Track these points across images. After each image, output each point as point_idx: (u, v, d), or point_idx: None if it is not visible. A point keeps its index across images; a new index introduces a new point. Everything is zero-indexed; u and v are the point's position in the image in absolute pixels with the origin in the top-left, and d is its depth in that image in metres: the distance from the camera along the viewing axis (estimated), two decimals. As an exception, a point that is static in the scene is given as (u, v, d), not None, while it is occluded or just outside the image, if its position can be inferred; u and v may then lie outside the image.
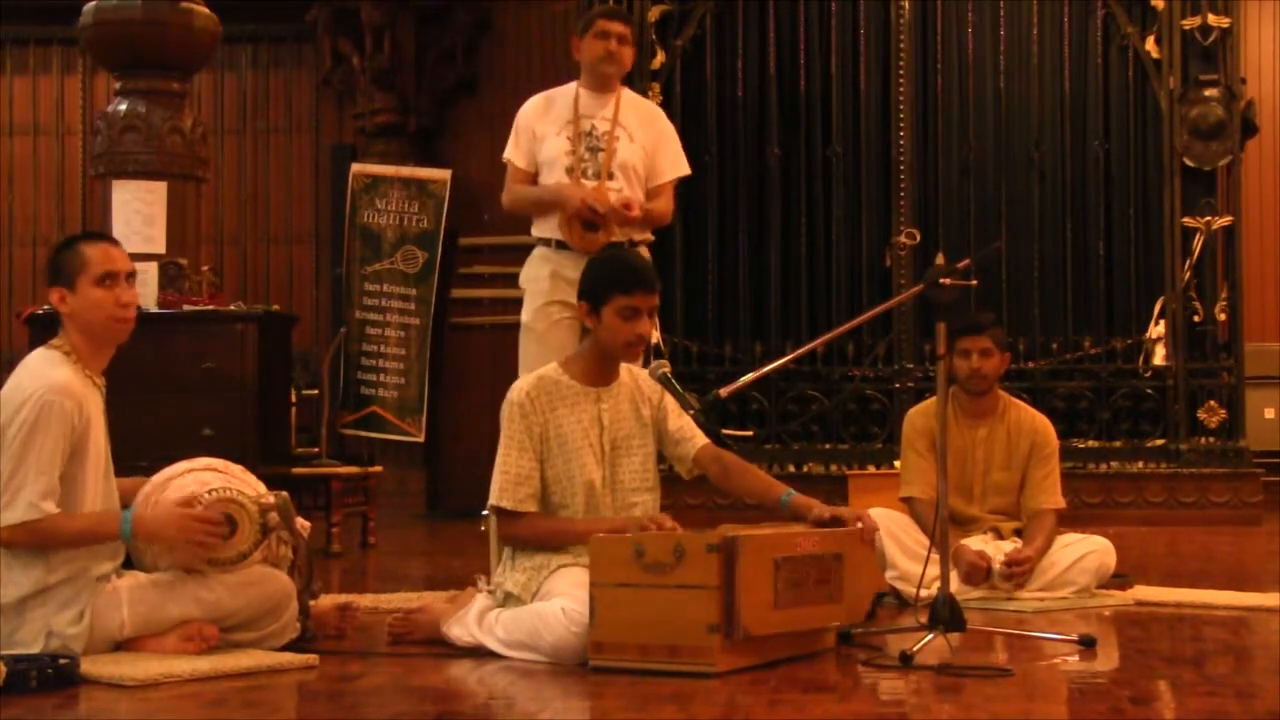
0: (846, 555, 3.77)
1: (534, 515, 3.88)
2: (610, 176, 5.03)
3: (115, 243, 3.85)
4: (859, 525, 3.82)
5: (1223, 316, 8.62)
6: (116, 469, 3.77)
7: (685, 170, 5.25)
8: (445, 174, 8.39)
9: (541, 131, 5.11)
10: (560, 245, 5.02)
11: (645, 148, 5.12)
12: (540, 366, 5.06)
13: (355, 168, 8.58)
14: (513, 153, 5.15)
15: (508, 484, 3.86)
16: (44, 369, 3.62)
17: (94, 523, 3.61)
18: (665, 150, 5.18)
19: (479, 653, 3.78)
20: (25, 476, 3.51)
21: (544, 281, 5.03)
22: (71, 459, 3.58)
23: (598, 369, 4.00)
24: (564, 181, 5.01)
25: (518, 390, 3.95)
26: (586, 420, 3.94)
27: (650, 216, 5.08)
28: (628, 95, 5.21)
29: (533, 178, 5.13)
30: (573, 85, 5.19)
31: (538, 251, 5.12)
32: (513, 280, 5.27)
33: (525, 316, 5.11)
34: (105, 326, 3.71)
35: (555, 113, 5.13)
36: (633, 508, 3.95)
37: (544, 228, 5.08)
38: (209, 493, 3.70)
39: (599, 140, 5.08)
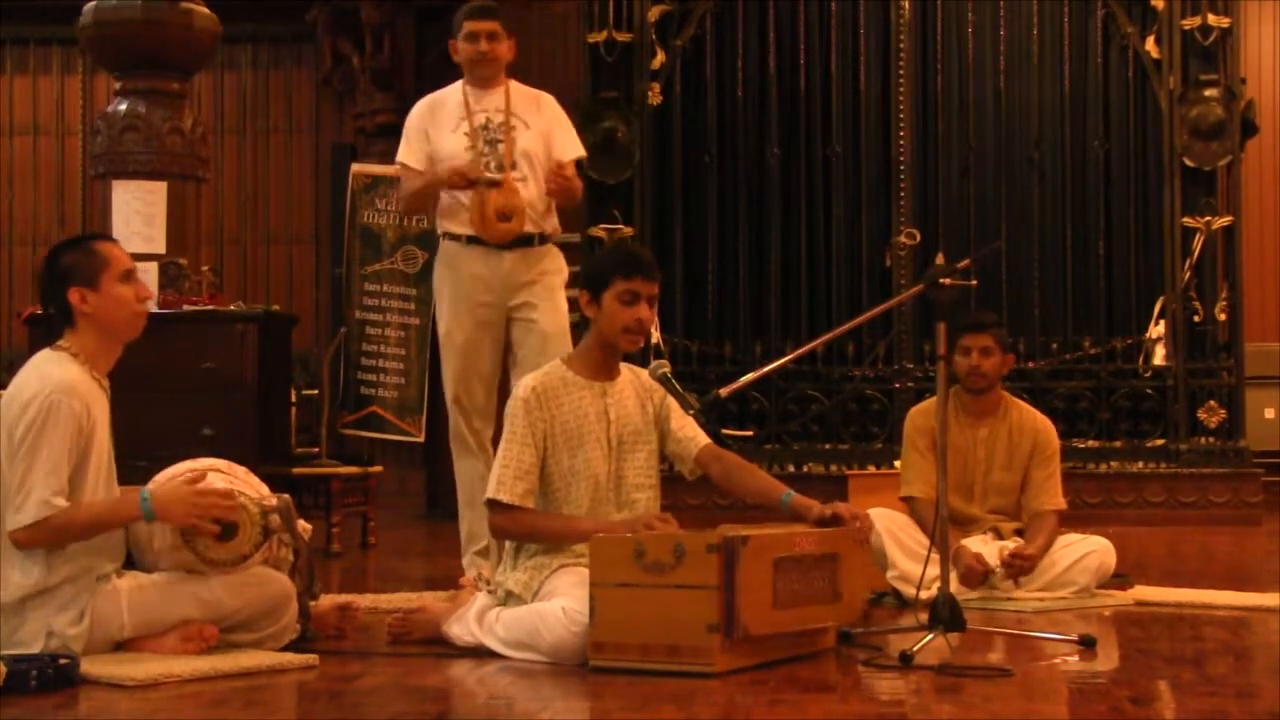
0: (842, 555, 3.77)
1: (528, 511, 3.87)
2: (513, 166, 5.04)
3: (116, 240, 3.89)
4: (856, 524, 3.82)
5: (1223, 316, 8.61)
6: (117, 469, 3.76)
7: (581, 152, 5.25)
8: (445, 174, 8.39)
9: (435, 132, 5.13)
10: (471, 240, 5.03)
11: (542, 134, 5.13)
12: (463, 381, 5.09)
13: (355, 168, 8.60)
14: (405, 155, 5.15)
15: (507, 478, 3.85)
16: (51, 369, 3.61)
17: (109, 507, 3.60)
18: (560, 134, 5.19)
19: (479, 653, 3.78)
20: (36, 478, 3.50)
21: (460, 284, 5.04)
22: (76, 460, 3.57)
23: (600, 362, 4.00)
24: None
25: (524, 387, 3.94)
26: (594, 415, 3.93)
27: (570, 189, 5.04)
28: (515, 86, 5.21)
29: None
30: (459, 84, 5.21)
31: (446, 249, 5.11)
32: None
33: (442, 325, 5.11)
34: (127, 322, 3.72)
35: (446, 111, 5.15)
36: (634, 504, 3.95)
37: (453, 223, 5.08)
38: (211, 494, 3.70)
39: (496, 132, 5.09)
